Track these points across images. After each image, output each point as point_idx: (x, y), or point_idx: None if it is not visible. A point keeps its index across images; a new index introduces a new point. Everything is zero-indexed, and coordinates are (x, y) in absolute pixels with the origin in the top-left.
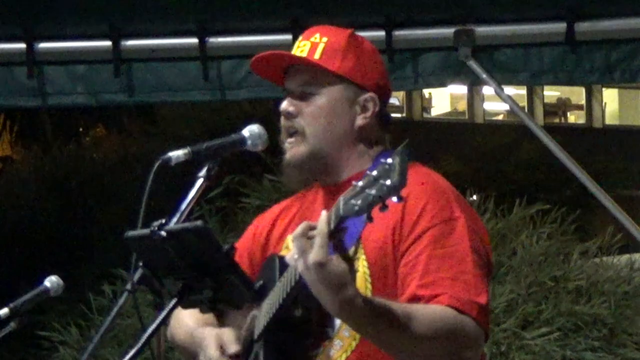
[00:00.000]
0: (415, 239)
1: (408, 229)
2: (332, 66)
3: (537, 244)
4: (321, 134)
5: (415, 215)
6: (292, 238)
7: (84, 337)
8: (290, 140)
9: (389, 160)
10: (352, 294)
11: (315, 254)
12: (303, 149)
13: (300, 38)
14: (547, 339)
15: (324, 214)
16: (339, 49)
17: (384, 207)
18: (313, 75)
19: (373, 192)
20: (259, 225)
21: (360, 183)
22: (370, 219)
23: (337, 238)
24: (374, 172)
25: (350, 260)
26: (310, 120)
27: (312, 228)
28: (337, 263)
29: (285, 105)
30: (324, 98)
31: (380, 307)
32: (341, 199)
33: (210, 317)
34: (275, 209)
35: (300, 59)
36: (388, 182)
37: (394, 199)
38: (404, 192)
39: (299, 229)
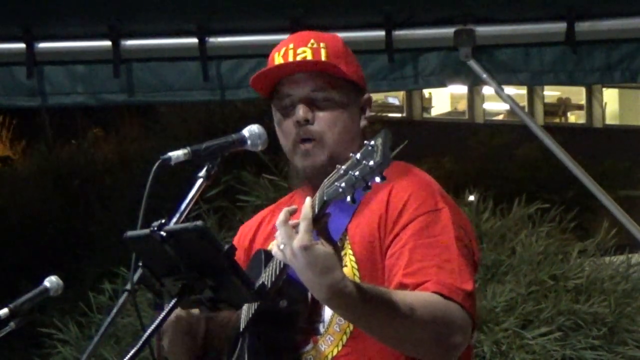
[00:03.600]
0: (400, 230)
1: (392, 221)
2: (344, 70)
3: (537, 243)
4: (338, 139)
5: (399, 207)
6: (276, 225)
7: (84, 335)
8: (308, 145)
9: (372, 142)
10: (339, 278)
11: (300, 239)
12: (323, 157)
13: (291, 45)
14: (547, 338)
15: (308, 199)
16: (340, 52)
17: (367, 188)
18: (324, 81)
19: (356, 173)
20: (243, 231)
21: (344, 166)
22: (354, 200)
23: (321, 223)
24: (357, 155)
25: (335, 245)
26: (326, 127)
27: (294, 212)
28: (322, 247)
29: (302, 113)
30: (341, 105)
31: (369, 291)
32: (325, 183)
33: None
34: (260, 214)
35: (324, 64)
36: (371, 162)
37: (377, 179)
38: (387, 186)
39: (282, 215)
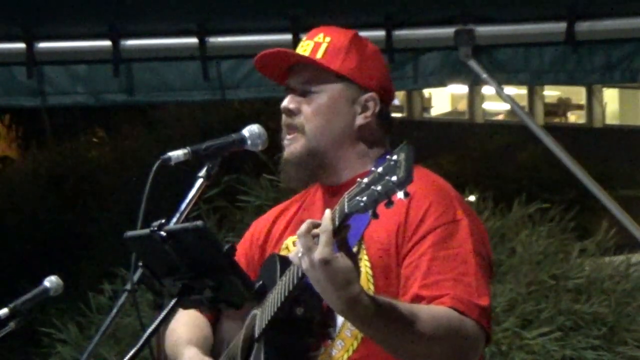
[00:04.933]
0: (419, 240)
1: (411, 230)
2: (333, 65)
3: (537, 242)
4: (320, 131)
5: (418, 216)
6: (297, 236)
7: (83, 335)
8: (288, 137)
9: (394, 157)
10: (357, 292)
11: (320, 252)
12: (301, 145)
13: (304, 38)
14: (547, 338)
15: (327, 212)
16: (341, 48)
17: (390, 203)
18: (315, 74)
19: (379, 188)
20: (257, 227)
21: (366, 180)
22: (375, 215)
23: (341, 235)
24: (379, 169)
25: (354, 258)
26: (310, 118)
27: (316, 226)
28: (342, 260)
29: (286, 102)
30: (324, 96)
31: (385, 305)
32: (346, 196)
33: (202, 333)
34: (274, 211)
35: (302, 57)
36: (394, 178)
37: (400, 194)
38: None
39: (303, 226)
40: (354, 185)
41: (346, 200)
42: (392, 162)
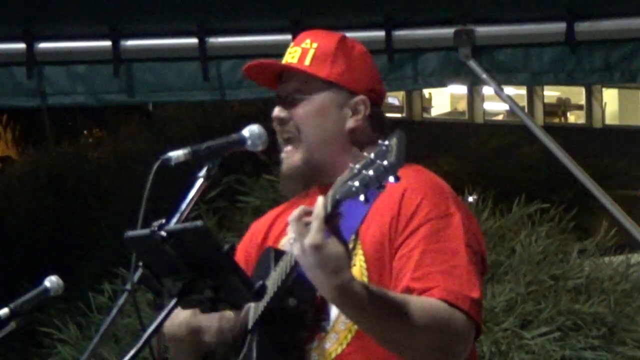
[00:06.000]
0: (411, 233)
1: (404, 223)
2: (322, 73)
3: (536, 242)
4: (314, 136)
5: (411, 210)
6: (289, 221)
7: (83, 335)
8: (287, 149)
9: (386, 142)
10: (348, 278)
11: (311, 237)
12: (298, 156)
13: (292, 44)
14: (546, 338)
15: (320, 198)
16: (329, 54)
17: (381, 188)
18: (303, 82)
19: (370, 172)
20: (256, 228)
21: (358, 165)
22: (367, 200)
23: (333, 222)
24: (371, 154)
25: (346, 245)
26: (301, 124)
27: (309, 212)
28: (333, 247)
29: (276, 112)
30: (314, 103)
31: (376, 293)
32: (338, 182)
33: None
34: (273, 212)
35: (289, 67)
36: (385, 162)
37: (391, 179)
38: (401, 187)
39: (295, 212)
40: (346, 171)
41: (338, 186)
42: (383, 148)
